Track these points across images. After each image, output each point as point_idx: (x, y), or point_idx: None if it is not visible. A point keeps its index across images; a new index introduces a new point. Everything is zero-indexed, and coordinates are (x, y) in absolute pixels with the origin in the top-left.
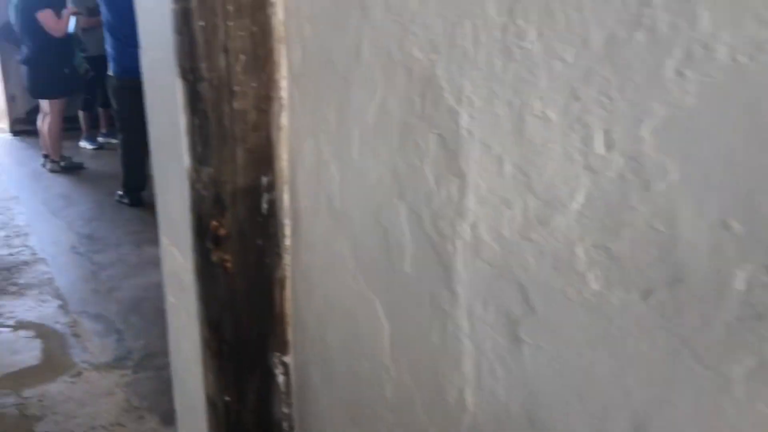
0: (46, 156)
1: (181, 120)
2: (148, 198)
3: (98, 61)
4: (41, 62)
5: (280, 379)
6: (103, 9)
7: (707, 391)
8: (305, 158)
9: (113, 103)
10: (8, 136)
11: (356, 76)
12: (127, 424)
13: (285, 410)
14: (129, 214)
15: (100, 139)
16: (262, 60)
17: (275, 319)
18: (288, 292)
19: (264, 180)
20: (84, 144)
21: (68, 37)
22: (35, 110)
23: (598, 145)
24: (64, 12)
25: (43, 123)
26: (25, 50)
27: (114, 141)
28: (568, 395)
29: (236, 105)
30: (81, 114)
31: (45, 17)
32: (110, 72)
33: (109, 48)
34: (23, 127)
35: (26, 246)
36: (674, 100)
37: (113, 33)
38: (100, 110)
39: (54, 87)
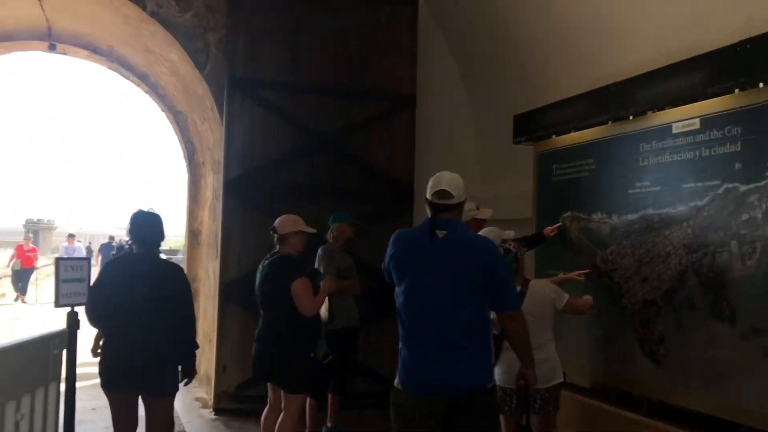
0: None
1: None
2: None
3: (343, 337)
4: (281, 342)
5: None
6: (398, 296)
7: None
8: None
9: None
10: (210, 414)
11: None
12: None
13: None
14: None
15: None
16: None
17: None
18: None
19: None
20: None
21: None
22: (246, 385)
23: None
24: (323, 284)
25: (269, 418)
26: (262, 322)
27: None
28: None
29: None
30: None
31: (299, 289)
32: (396, 383)
33: (402, 346)
34: (230, 404)
35: None
36: None
37: (413, 331)
38: (330, 396)
39: (297, 378)
